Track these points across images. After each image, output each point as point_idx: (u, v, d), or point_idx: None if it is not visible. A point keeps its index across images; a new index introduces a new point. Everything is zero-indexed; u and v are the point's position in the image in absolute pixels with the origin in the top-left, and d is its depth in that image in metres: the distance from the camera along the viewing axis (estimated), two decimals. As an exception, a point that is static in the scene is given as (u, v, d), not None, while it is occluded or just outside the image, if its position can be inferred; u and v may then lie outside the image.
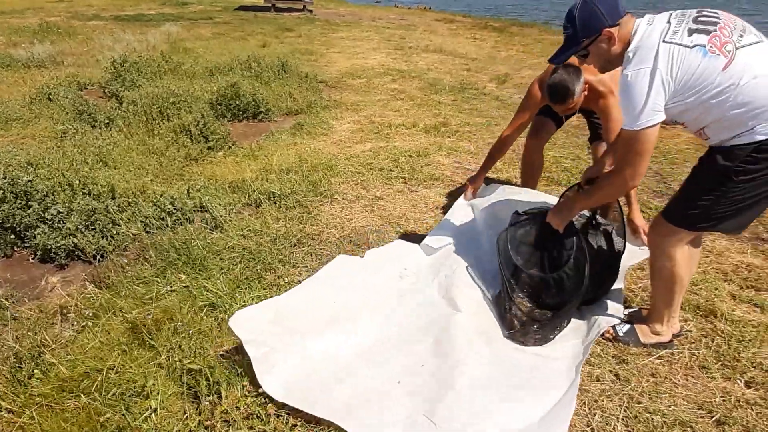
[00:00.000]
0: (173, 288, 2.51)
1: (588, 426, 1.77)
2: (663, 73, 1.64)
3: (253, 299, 2.41)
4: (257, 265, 2.71)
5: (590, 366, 2.02)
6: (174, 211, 3.18)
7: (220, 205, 3.24)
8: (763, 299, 2.45)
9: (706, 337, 2.17)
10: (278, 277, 2.61)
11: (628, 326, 2.12)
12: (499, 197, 2.74)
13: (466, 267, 2.44)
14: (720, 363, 2.04)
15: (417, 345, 2.05)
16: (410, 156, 4.18)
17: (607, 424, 1.78)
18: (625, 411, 1.82)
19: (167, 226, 3.07)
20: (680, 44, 1.64)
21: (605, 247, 2.28)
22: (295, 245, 2.89)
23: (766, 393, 1.90)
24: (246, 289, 2.51)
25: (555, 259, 2.20)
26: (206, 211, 3.20)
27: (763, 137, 1.60)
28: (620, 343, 2.09)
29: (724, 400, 1.86)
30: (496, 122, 5.28)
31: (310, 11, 16.63)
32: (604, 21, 1.75)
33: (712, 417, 1.79)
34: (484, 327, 2.16)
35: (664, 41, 1.65)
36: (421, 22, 15.51)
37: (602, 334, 2.10)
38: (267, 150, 4.20)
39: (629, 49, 1.73)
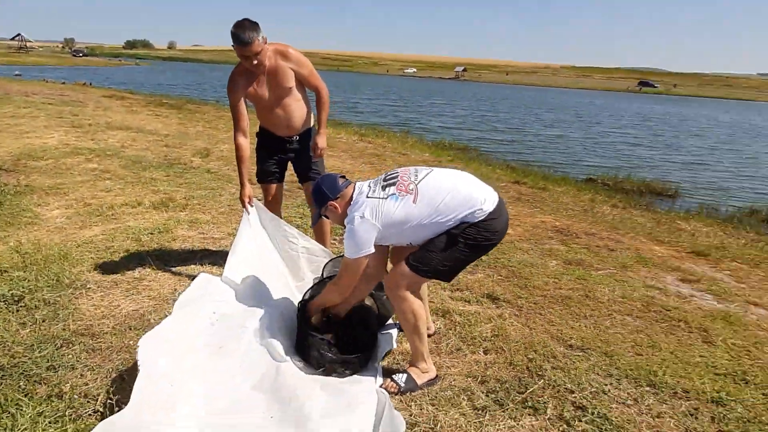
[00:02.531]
0: None
1: (408, 407, 2.19)
2: (370, 218, 2.22)
3: (32, 419, 2.00)
4: (18, 380, 2.22)
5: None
6: None
7: (-75, 324, 2.47)
8: (466, 296, 3.38)
9: (451, 329, 2.90)
10: (56, 386, 2.20)
11: (405, 375, 2.37)
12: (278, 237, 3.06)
13: (273, 309, 2.58)
14: (465, 343, 2.77)
15: (257, 401, 2.11)
16: (152, 234, 3.97)
17: (419, 405, 2.23)
18: (427, 394, 2.31)
19: None
20: (378, 197, 2.26)
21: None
22: (62, 347, 2.47)
23: (485, 353, 2.68)
24: (16, 410, 2.04)
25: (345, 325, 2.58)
26: None
27: (477, 219, 2.26)
28: (406, 393, 2.34)
29: (478, 366, 2.56)
30: (219, 192, 5.43)
31: (-71, 83, 13.16)
32: (327, 196, 2.33)
33: (477, 379, 2.45)
34: (302, 366, 2.37)
35: (367, 197, 2.28)
36: (87, 98, 14.14)
37: (388, 390, 2.32)
38: (-36, 249, 3.34)
39: (350, 207, 2.31)
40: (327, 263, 3.01)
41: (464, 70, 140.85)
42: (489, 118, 24.73)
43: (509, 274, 3.85)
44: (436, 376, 2.44)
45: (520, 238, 4.83)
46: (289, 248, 3.11)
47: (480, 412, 2.22)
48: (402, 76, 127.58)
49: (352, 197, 2.33)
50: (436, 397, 2.31)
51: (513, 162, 11.39)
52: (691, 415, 2.28)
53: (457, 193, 2.26)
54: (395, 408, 2.14)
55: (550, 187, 7.75)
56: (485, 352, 2.70)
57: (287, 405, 2.09)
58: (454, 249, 2.25)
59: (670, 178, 10.88)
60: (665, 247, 4.91)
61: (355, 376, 2.46)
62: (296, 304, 2.69)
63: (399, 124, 18.36)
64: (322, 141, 3.23)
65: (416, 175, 2.31)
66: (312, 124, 3.31)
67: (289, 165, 3.41)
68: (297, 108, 3.14)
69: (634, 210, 6.85)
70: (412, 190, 2.25)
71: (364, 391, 2.31)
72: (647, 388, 2.45)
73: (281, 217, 3.30)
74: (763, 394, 2.48)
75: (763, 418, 2.29)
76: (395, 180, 2.28)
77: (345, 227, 2.29)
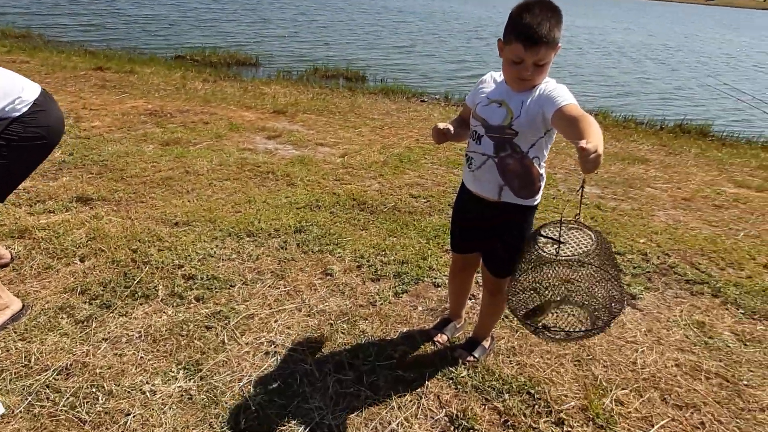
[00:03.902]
0: None
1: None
2: None
3: None
4: None
5: None
6: None
7: None
8: (50, 207, 2.77)
9: (34, 249, 2.34)
10: None
11: None
12: None
13: None
14: (55, 258, 2.30)
15: None
16: None
17: (5, 347, 1.77)
18: (14, 331, 1.85)
19: None
20: None
21: None
22: None
23: (82, 261, 2.34)
24: None
25: None
26: None
27: (21, 112, 1.71)
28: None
29: (75, 278, 2.18)
30: None
31: None
32: None
33: (76, 292, 2.09)
34: None
35: None
36: None
37: None
38: None
39: None
40: None
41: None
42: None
43: (102, 169, 3.33)
44: (23, 306, 1.97)
45: (109, 128, 4.19)
46: None
47: (85, 323, 1.93)
48: None
49: None
50: (26, 329, 1.88)
51: (92, 47, 9.53)
52: (282, 247, 2.58)
53: None
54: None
55: (138, 70, 6.89)
56: (82, 260, 2.32)
57: None
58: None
59: (256, 49, 11.26)
60: (252, 111, 5.15)
61: None
62: None
63: None
64: None
65: None
66: None
67: None
68: None
69: (224, 82, 6.84)
70: None
71: None
72: (247, 239, 2.62)
73: None
74: (331, 213, 3.01)
75: (332, 230, 2.78)
76: None
77: None
